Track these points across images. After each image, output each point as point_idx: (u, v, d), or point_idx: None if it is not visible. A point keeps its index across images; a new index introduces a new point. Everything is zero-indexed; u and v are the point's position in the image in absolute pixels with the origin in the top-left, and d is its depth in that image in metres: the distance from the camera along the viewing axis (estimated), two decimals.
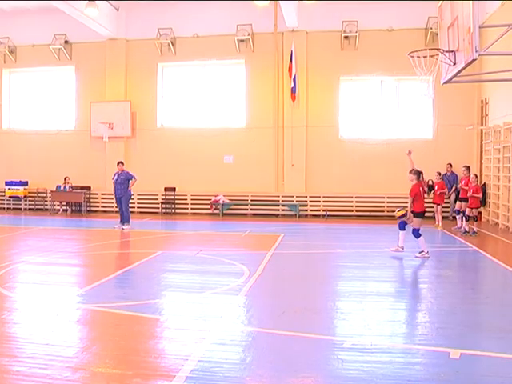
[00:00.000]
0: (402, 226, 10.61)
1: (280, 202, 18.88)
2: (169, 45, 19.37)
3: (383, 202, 18.35)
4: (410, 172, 10.62)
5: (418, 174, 10.57)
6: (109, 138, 19.75)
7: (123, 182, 14.97)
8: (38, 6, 19.93)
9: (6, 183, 20.60)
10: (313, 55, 18.92)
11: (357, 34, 18.34)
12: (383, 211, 18.09)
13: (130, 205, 15.44)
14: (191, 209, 19.65)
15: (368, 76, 18.79)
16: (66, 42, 20.37)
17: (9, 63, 21.37)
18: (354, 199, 18.56)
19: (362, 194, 18.47)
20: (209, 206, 19.15)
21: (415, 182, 10.53)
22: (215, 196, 18.99)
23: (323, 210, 18.37)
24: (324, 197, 18.71)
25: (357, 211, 18.48)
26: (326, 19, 18.60)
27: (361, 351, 5.12)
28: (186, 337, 5.56)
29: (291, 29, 18.67)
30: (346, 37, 18.55)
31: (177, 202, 19.66)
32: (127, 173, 15.14)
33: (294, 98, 18.60)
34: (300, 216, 18.56)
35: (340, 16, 18.40)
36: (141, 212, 19.24)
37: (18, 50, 21.20)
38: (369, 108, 19.21)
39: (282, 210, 18.83)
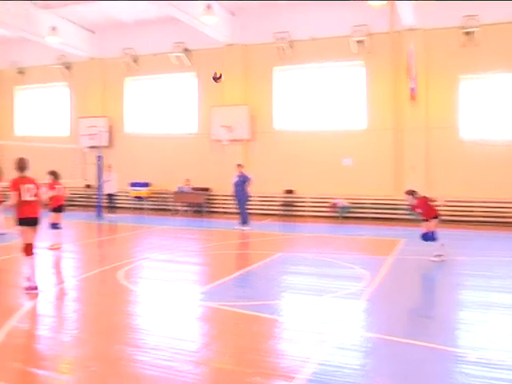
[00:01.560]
0: None
1: (399, 205, 18.29)
2: (285, 48, 19.45)
3: (508, 208, 17.18)
4: None
5: None
6: (228, 141, 20.20)
7: (241, 184, 15.23)
8: (158, 17, 20.85)
9: (131, 184, 21.69)
10: (431, 53, 18.13)
11: (477, 30, 17.36)
12: (509, 217, 16.95)
13: (249, 206, 15.60)
14: (310, 211, 19.57)
15: (490, 73, 17.72)
16: (186, 49, 21.10)
17: (132, 71, 22.56)
18: (475, 203, 17.49)
19: (483, 198, 17.38)
20: (327, 209, 18.96)
21: None
22: (334, 199, 18.77)
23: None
24: (445, 201, 17.83)
25: (478, 216, 17.44)
26: (443, 15, 17.73)
27: (486, 366, 4.79)
28: (306, 339, 5.51)
29: (408, 27, 18.05)
30: (465, 33, 17.61)
31: (296, 204, 19.68)
32: (244, 175, 15.37)
33: (413, 98, 17.97)
34: (419, 220, 17.85)
35: (459, 11, 17.46)
36: (261, 214, 19.44)
37: (141, 59, 22.32)
38: (491, 107, 18.09)
39: (402, 213, 18.23)
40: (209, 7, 16.90)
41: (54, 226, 11.15)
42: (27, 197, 7.41)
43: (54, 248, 10.96)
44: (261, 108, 20.14)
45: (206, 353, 5.10)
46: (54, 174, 11.23)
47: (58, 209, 11.16)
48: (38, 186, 7.66)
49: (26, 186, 7.43)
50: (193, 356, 4.96)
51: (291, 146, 19.60)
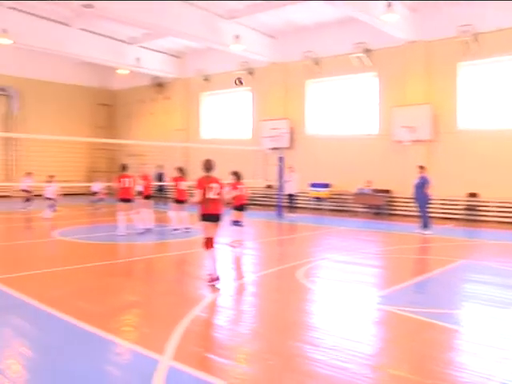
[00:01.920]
0: None
1: None
2: (469, 42, 18.31)
3: None
4: None
5: None
6: (410, 141, 19.63)
7: (421, 186, 14.71)
8: (337, 18, 20.97)
9: (311, 185, 22.05)
10: None
11: None
12: None
13: (431, 209, 15.03)
14: (495, 216, 18.28)
15: None
16: (366, 49, 20.90)
17: (313, 74, 22.89)
18: None
19: None
20: None
21: None
22: None
23: None
24: None
25: None
26: None
27: None
28: (488, 354, 5.17)
29: None
30: None
31: (480, 208, 18.52)
32: (424, 177, 14.81)
33: None
34: None
35: None
36: (442, 218, 18.62)
37: (321, 61, 22.55)
38: None
39: None
40: (389, 5, 16.57)
41: (236, 223, 11.72)
42: (211, 195, 7.93)
43: (235, 244, 11.55)
44: (444, 107, 19.25)
45: (383, 358, 5.03)
46: (237, 175, 11.78)
47: (240, 207, 11.69)
48: (221, 186, 8.13)
49: (211, 185, 7.95)
50: (369, 360, 4.92)
51: (476, 146, 18.45)
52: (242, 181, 11.79)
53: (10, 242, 13.04)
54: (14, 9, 20.25)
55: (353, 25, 20.38)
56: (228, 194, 10.47)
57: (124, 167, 13.97)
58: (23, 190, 20.15)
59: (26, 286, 7.67)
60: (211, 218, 8.01)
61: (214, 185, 7.99)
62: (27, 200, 19.79)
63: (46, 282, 8.09)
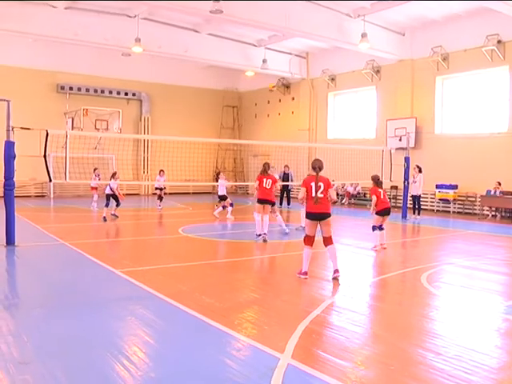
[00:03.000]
0: None
1: None
2: None
3: None
4: None
5: None
6: None
7: None
8: (467, 10, 20.08)
9: (437, 186, 21.34)
10: None
11: None
12: None
13: None
14: None
15: None
16: (499, 41, 19.80)
17: (442, 70, 22.10)
18: None
19: None
20: None
21: None
22: None
23: None
24: None
25: None
26: None
27: None
28: None
29: None
30: None
31: None
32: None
33: None
34: None
35: None
36: None
37: (451, 56, 21.71)
38: None
39: None
40: None
41: (375, 228, 11.69)
42: (316, 194, 8.24)
43: (377, 249, 11.57)
44: None
45: (509, 372, 4.82)
46: (376, 180, 11.84)
47: (381, 212, 11.63)
48: (328, 185, 8.40)
49: (318, 183, 8.28)
50: (495, 374, 4.74)
51: None
52: (380, 187, 11.77)
53: (138, 237, 13.96)
54: (146, 19, 21.57)
55: (484, 16, 19.39)
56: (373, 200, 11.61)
57: (265, 168, 13.08)
58: (157, 188, 21.17)
59: (152, 280, 8.17)
60: (313, 216, 8.33)
61: (320, 183, 8.29)
62: (160, 198, 20.74)
63: (172, 277, 8.57)
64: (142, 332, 5.70)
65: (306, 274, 8.39)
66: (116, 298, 7.25)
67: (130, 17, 21.05)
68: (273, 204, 13.17)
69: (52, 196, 26.20)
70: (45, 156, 11.92)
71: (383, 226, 11.74)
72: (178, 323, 6.16)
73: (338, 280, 8.24)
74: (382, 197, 11.60)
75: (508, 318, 6.58)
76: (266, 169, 12.96)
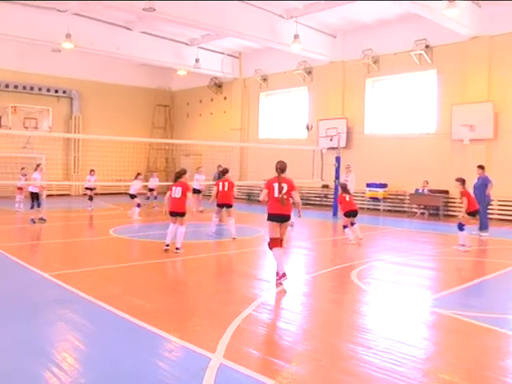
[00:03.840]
0: None
1: None
2: None
3: None
4: None
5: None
6: (470, 140, 19.15)
7: (481, 187, 14.33)
8: (397, 15, 20.69)
9: (367, 185, 21.83)
10: None
11: None
12: None
13: (489, 211, 14.67)
14: None
15: None
16: (427, 46, 20.52)
17: (372, 72, 22.66)
18: None
19: None
20: None
21: None
22: None
23: None
24: None
25: None
26: None
27: None
28: None
29: None
30: None
31: None
32: (485, 177, 14.42)
33: None
34: None
35: None
36: (501, 219, 18.10)
37: (381, 59, 22.29)
38: None
39: None
40: (452, 0, 16.19)
41: (345, 226, 12.61)
42: (279, 194, 8.05)
43: (352, 243, 12.37)
44: (506, 104, 18.66)
45: (436, 362, 4.95)
46: (343, 188, 12.81)
47: (348, 214, 12.43)
48: (292, 187, 8.20)
49: (281, 184, 8.08)
50: (422, 364, 4.87)
51: None
52: (348, 192, 12.70)
53: (68, 239, 13.55)
54: (77, 14, 20.96)
55: (413, 21, 20.07)
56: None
57: (224, 171, 13.80)
58: (87, 188, 20.67)
59: (82, 282, 7.94)
60: (278, 217, 8.11)
61: (283, 185, 8.10)
62: (90, 198, 20.26)
63: (102, 279, 8.34)
64: (72, 337, 5.50)
65: (284, 275, 7.91)
66: (45, 302, 6.96)
67: (60, 11, 20.35)
68: (230, 206, 13.35)
69: None
70: None
71: (355, 221, 12.55)
72: (108, 326, 5.99)
73: (282, 284, 7.91)
74: (347, 199, 12.41)
75: (435, 310, 6.77)
76: (224, 172, 13.63)
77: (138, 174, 18.68)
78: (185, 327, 5.94)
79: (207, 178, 23.47)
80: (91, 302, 6.86)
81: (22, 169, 19.60)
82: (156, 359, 4.90)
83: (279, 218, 8.10)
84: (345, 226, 12.68)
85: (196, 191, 20.18)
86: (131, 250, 11.79)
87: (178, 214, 10.73)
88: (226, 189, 13.23)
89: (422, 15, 17.66)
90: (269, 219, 8.16)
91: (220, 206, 13.36)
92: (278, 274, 8.01)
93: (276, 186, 8.09)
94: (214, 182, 14.22)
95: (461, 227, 11.81)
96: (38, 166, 16.58)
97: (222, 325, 5.84)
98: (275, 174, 8.23)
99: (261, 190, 8.49)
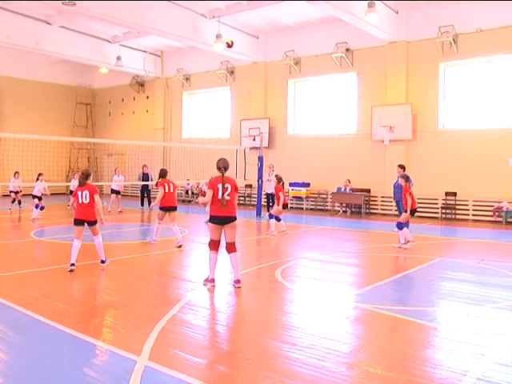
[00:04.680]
0: None
1: None
2: (450, 43, 18.51)
3: None
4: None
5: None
6: (389, 141, 19.78)
7: (401, 186, 14.78)
8: (319, 18, 21.10)
9: (290, 184, 22.09)
10: None
11: None
12: None
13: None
14: (472, 215, 18.51)
15: None
16: (348, 49, 21.04)
17: (294, 74, 22.97)
18: None
19: None
20: (491, 213, 17.81)
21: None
22: (498, 202, 17.58)
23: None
24: None
25: None
26: None
27: None
28: (464, 350, 5.21)
29: None
30: None
31: (457, 207, 18.73)
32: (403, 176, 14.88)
33: None
34: None
35: None
36: (420, 216, 18.80)
37: (302, 60, 22.64)
38: None
39: None
40: (371, 5, 16.67)
41: (272, 216, 14.13)
42: (223, 196, 7.66)
43: (274, 234, 13.80)
44: (424, 106, 19.45)
45: (360, 356, 5.04)
46: (278, 179, 13.96)
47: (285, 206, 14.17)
48: (235, 187, 7.89)
49: (225, 185, 7.70)
50: (346, 358, 4.94)
51: (455, 145, 18.67)
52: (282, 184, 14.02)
53: None
54: None
55: (334, 25, 20.56)
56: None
57: (164, 172, 12.24)
58: (11, 191, 19.78)
59: (1, 288, 7.57)
60: (221, 220, 7.74)
61: (227, 185, 7.74)
62: (18, 201, 19.39)
63: (22, 283, 7.97)
64: None
65: (213, 281, 7.78)
66: None
67: None
68: (175, 209, 12.10)
69: None
70: None
71: (280, 217, 13.97)
72: (30, 333, 5.71)
73: (240, 289, 7.73)
74: (167, 190, 11.87)
75: (358, 305, 6.91)
76: (165, 174, 12.16)
77: (40, 174, 17.87)
78: (109, 330, 5.80)
79: (132, 178, 23.08)
80: (11, 307, 6.54)
81: None
82: (80, 364, 4.74)
83: (222, 220, 7.71)
84: (272, 216, 14.02)
85: (114, 192, 19.82)
86: (53, 253, 11.34)
87: (88, 222, 9.18)
88: (171, 190, 11.89)
89: (342, 19, 18.09)
90: (211, 221, 7.83)
91: (165, 209, 11.84)
92: (208, 278, 7.88)
93: (220, 186, 7.69)
94: (154, 183, 12.76)
95: (400, 226, 12.11)
96: None
97: (147, 326, 5.72)
98: (217, 173, 7.81)
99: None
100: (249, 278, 8.71)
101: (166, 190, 11.74)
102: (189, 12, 20.04)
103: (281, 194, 13.88)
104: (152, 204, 12.53)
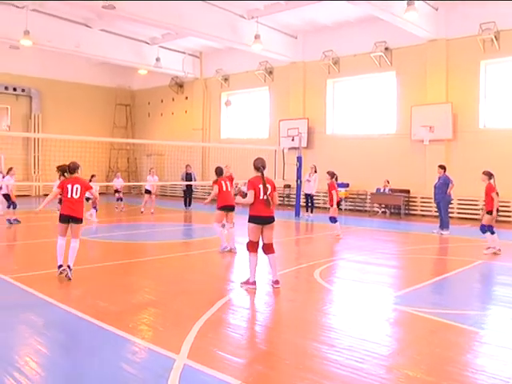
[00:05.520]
0: None
1: None
2: (492, 40, 18.12)
3: None
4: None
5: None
6: (429, 141, 19.50)
7: (442, 187, 14.60)
8: (357, 17, 20.95)
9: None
10: None
11: None
12: None
13: (449, 210, 14.98)
14: None
15: None
16: (387, 48, 20.82)
17: (333, 73, 22.85)
18: None
19: None
20: None
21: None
22: None
23: None
24: None
25: None
26: None
27: None
28: (507, 356, 5.10)
29: None
30: None
31: (500, 208, 18.25)
32: (446, 177, 14.69)
33: None
34: None
35: None
36: (461, 218, 18.47)
37: (341, 60, 22.50)
38: None
39: None
40: (410, 4, 16.45)
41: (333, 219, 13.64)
42: (264, 196, 7.64)
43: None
44: (465, 105, 19.07)
45: (399, 359, 5.00)
46: (333, 175, 13.70)
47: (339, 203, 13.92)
48: (274, 187, 7.86)
49: (265, 185, 7.67)
50: (385, 360, 4.90)
51: (496, 145, 18.21)
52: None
53: (28, 240, 13.21)
54: (35, 10, 20.49)
55: (373, 24, 20.34)
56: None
57: (220, 170, 11.44)
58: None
59: (44, 285, 7.76)
60: (263, 220, 7.69)
61: (268, 185, 7.70)
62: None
63: (64, 281, 8.15)
64: (34, 341, 5.35)
65: (254, 283, 7.70)
66: (6, 306, 6.77)
67: (18, 7, 19.86)
68: (233, 209, 11.38)
69: None
70: None
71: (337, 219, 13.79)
72: (71, 329, 5.87)
73: (278, 289, 7.72)
74: (224, 189, 11.28)
75: (397, 307, 6.84)
76: (221, 172, 11.42)
77: (93, 176, 17.57)
78: (148, 328, 5.88)
79: (172, 178, 23.31)
80: (53, 304, 6.70)
81: None
82: (120, 361, 4.82)
83: (265, 220, 7.68)
84: (334, 219, 13.51)
85: (148, 192, 19.90)
86: (93, 251, 11.56)
87: (73, 219, 8.34)
88: (228, 189, 11.19)
89: (381, 18, 17.91)
90: (251, 221, 7.69)
91: (223, 208, 11.09)
92: (248, 281, 7.80)
93: (261, 186, 7.66)
94: (211, 182, 11.87)
95: (484, 229, 11.34)
96: (9, 169, 16.14)
97: (186, 325, 5.78)
98: (256, 173, 7.78)
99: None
100: (287, 278, 8.71)
101: (224, 189, 11.05)
102: (227, 13, 20.14)
103: (334, 192, 13.50)
104: (205, 201, 11.99)
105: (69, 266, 8.20)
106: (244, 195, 8.08)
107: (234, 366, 4.73)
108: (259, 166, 7.76)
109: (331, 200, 13.55)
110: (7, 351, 5.11)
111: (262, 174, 7.75)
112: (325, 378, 4.50)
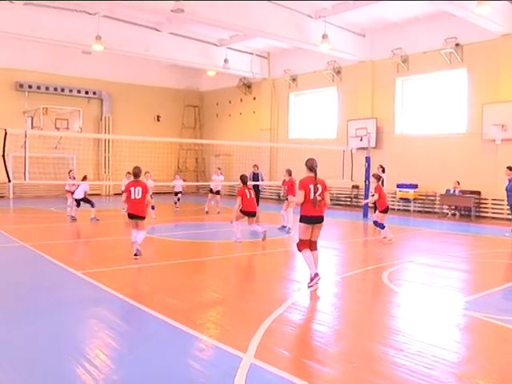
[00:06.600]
0: None
1: None
2: None
3: None
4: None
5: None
6: (501, 140, 18.85)
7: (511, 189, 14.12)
8: (427, 13, 20.49)
9: (398, 186, 21.66)
10: None
11: None
12: None
13: None
14: None
15: None
16: (457, 44, 20.26)
17: (401, 72, 22.47)
18: None
19: None
20: None
21: None
22: None
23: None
24: None
25: None
26: None
27: None
28: None
29: None
30: None
31: None
32: None
33: None
34: None
35: None
36: None
37: (410, 58, 22.09)
38: None
39: None
40: None
41: (379, 224, 12.90)
42: (315, 196, 7.77)
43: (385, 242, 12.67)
44: None
45: (470, 367, 4.91)
46: (378, 178, 13.35)
47: (385, 210, 13.00)
48: (325, 187, 7.96)
49: (316, 185, 7.79)
50: (455, 368, 4.83)
51: None
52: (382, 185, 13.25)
53: (100, 237, 13.75)
54: (106, 16, 21.25)
55: (442, 19, 19.87)
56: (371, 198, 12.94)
57: (245, 179, 12.82)
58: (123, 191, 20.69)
59: (114, 281, 8.07)
60: (313, 219, 7.85)
61: (317, 186, 7.82)
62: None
63: (134, 278, 8.47)
64: (104, 334, 5.62)
65: (316, 275, 7.81)
66: (77, 300, 7.12)
67: (90, 14, 20.70)
68: (255, 215, 12.68)
69: (11, 197, 25.57)
70: (3, 156, 11.66)
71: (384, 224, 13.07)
72: (140, 324, 6.11)
73: (317, 284, 7.84)
74: (248, 197, 12.24)
75: (467, 313, 6.71)
76: (246, 180, 12.76)
77: (146, 172, 17.80)
78: (216, 327, 6.02)
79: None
80: (123, 300, 6.98)
81: (70, 171, 19.20)
82: (187, 358, 4.96)
83: (314, 220, 7.83)
84: (382, 225, 12.80)
85: (213, 192, 20.08)
86: (162, 249, 11.90)
87: (137, 217, 10.14)
88: (252, 196, 12.44)
89: (451, 13, 17.48)
90: (302, 221, 7.87)
91: (245, 213, 12.37)
92: (311, 277, 7.86)
93: (312, 186, 7.78)
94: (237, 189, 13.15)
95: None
96: (85, 177, 17.15)
97: (253, 325, 5.88)
98: (308, 173, 7.90)
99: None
100: (354, 280, 8.71)
101: (248, 197, 12.23)
102: (294, 13, 20.20)
103: (376, 196, 13.07)
104: (232, 219, 12.72)
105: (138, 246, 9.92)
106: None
107: (300, 367, 4.80)
108: (313, 166, 7.90)
109: (379, 204, 13.07)
110: (78, 343, 5.37)
111: (316, 174, 7.87)
112: (393, 382, 4.49)
